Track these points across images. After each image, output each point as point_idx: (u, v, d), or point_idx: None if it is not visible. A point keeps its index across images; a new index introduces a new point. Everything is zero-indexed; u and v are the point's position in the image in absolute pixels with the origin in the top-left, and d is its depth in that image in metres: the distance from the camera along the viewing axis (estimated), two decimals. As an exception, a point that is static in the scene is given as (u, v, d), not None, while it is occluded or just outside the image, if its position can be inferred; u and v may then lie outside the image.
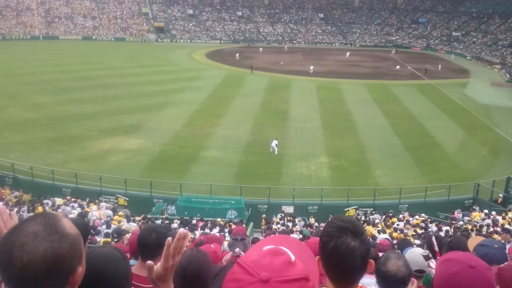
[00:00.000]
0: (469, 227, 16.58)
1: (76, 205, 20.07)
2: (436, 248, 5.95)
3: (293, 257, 1.52)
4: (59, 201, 20.49)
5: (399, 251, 5.76)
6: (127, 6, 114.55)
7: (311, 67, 66.23)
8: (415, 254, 4.34)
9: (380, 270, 3.28)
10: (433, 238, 6.12)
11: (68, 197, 21.82)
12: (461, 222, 18.54)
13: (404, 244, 7.16)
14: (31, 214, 16.35)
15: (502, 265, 3.01)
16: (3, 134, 33.31)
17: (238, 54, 79.66)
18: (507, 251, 5.30)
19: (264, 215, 22.24)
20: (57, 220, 1.64)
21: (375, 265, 3.45)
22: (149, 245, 3.64)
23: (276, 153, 30.69)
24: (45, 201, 20.06)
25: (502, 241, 10.70)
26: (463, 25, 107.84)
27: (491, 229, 15.38)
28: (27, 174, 25.74)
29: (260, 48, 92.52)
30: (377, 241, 12.66)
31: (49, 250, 1.53)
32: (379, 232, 16.86)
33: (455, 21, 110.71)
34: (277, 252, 1.53)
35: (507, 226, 16.26)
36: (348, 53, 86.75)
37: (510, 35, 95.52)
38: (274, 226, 18.01)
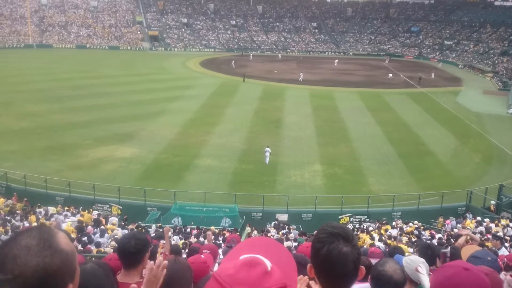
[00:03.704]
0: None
1: (69, 213, 19.98)
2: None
3: (269, 266, 1.52)
4: (52, 209, 20.39)
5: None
6: (121, 15, 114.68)
7: (300, 75, 66.46)
8: (418, 263, 4.30)
9: (377, 270, 3.31)
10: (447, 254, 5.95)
11: (59, 206, 21.72)
12: (456, 230, 18.62)
13: (395, 251, 7.19)
14: (25, 222, 16.27)
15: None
16: (-4, 142, 33.17)
17: (234, 61, 79.91)
18: (498, 258, 5.36)
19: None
20: (52, 234, 1.60)
21: (372, 267, 3.50)
22: (129, 252, 3.64)
23: (266, 162, 30.64)
24: (38, 210, 19.97)
25: (493, 247, 10.79)
26: (455, 34, 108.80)
27: (485, 237, 15.45)
28: (20, 183, 25.61)
29: (250, 56, 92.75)
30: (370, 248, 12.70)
31: (40, 266, 1.51)
32: (372, 239, 16.89)
33: (447, 30, 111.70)
34: (253, 263, 1.52)
35: (500, 233, 16.35)
36: (336, 61, 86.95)
37: (501, 44, 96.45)
38: (269, 234, 18.00)
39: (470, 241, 8.34)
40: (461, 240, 7.64)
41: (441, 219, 22.97)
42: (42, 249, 1.54)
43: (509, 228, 17.67)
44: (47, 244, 1.56)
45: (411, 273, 4.07)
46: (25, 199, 22.60)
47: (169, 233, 17.03)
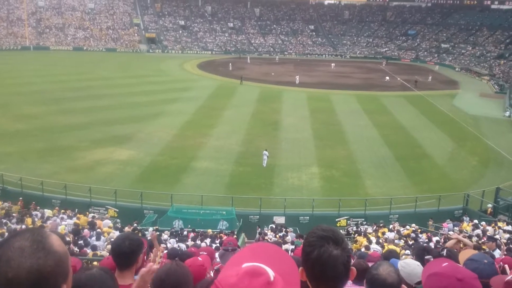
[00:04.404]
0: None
1: (65, 216, 19.90)
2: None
3: (272, 276, 1.50)
4: (48, 212, 20.31)
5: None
6: (119, 17, 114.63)
7: (297, 78, 66.57)
8: (414, 266, 4.31)
9: (371, 273, 3.32)
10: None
11: (56, 208, 21.66)
12: (451, 233, 18.62)
13: (390, 255, 7.19)
14: (23, 225, 16.21)
15: (510, 278, 3.04)
16: (-8, 145, 33.05)
17: (231, 64, 79.92)
18: (495, 261, 5.36)
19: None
20: (45, 236, 1.62)
21: (367, 271, 3.50)
22: (123, 253, 3.63)
23: (264, 165, 30.61)
24: (34, 213, 19.90)
25: (486, 249, 10.81)
26: (452, 37, 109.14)
27: (482, 240, 15.45)
28: (16, 186, 25.50)
29: (248, 58, 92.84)
30: (369, 251, 12.69)
31: (34, 267, 1.52)
32: (369, 242, 16.87)
33: (444, 33, 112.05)
34: (256, 272, 1.50)
35: (497, 236, 16.35)
36: (333, 64, 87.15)
37: (498, 47, 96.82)
38: (266, 237, 17.97)
39: (463, 246, 8.34)
40: (450, 243, 7.66)
41: (430, 222, 23.00)
42: (35, 250, 1.55)
43: (500, 231, 17.70)
44: (40, 245, 1.57)
45: (405, 276, 4.06)
46: (34, 202, 22.51)
47: (165, 237, 16.97)
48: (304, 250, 2.06)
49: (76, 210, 21.69)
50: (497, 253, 10.30)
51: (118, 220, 21.08)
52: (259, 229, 21.39)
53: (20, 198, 23.42)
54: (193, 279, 3.42)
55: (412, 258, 6.71)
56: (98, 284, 2.66)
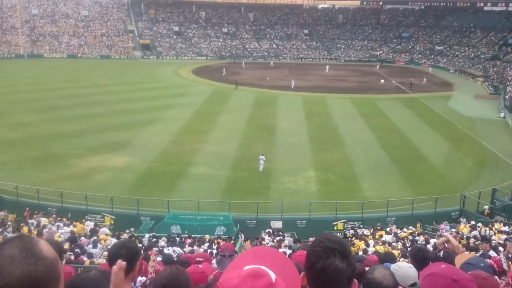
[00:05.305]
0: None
1: (61, 224, 19.80)
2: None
3: (274, 278, 1.51)
4: (44, 220, 20.20)
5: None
6: (113, 24, 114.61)
7: (292, 82, 66.70)
8: (406, 268, 4.31)
9: (366, 278, 3.32)
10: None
11: (53, 216, 21.56)
12: (446, 233, 18.61)
13: (387, 258, 7.17)
14: (16, 234, 16.10)
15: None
16: (-13, 153, 32.87)
17: (225, 69, 79.91)
18: (492, 263, 5.35)
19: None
20: (33, 243, 1.63)
21: (362, 276, 3.49)
22: None
23: (260, 169, 30.59)
24: (30, 221, 19.79)
25: (481, 250, 10.79)
26: (446, 39, 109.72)
27: (479, 241, 15.44)
28: (12, 194, 25.37)
29: (243, 63, 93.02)
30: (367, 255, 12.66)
31: (25, 274, 1.53)
32: (367, 245, 16.86)
33: (438, 35, 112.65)
34: (258, 274, 1.51)
35: (494, 237, 16.35)
36: (327, 67, 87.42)
37: (491, 49, 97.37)
38: (263, 242, 17.92)
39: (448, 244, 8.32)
40: (439, 241, 7.67)
41: (418, 225, 23.05)
42: (25, 257, 1.56)
43: (491, 231, 17.71)
44: (29, 252, 1.58)
45: (399, 279, 4.07)
46: (42, 212, 22.37)
47: (162, 243, 16.87)
48: (309, 259, 2.00)
49: (69, 214, 21.58)
50: (492, 254, 10.28)
51: (132, 229, 20.96)
52: (242, 234, 21.38)
53: (27, 208, 23.25)
54: (192, 285, 3.42)
55: (407, 261, 6.69)
56: (93, 285, 2.65)
